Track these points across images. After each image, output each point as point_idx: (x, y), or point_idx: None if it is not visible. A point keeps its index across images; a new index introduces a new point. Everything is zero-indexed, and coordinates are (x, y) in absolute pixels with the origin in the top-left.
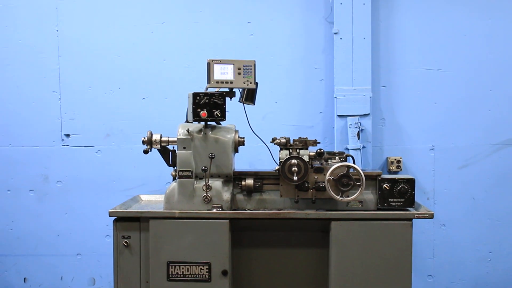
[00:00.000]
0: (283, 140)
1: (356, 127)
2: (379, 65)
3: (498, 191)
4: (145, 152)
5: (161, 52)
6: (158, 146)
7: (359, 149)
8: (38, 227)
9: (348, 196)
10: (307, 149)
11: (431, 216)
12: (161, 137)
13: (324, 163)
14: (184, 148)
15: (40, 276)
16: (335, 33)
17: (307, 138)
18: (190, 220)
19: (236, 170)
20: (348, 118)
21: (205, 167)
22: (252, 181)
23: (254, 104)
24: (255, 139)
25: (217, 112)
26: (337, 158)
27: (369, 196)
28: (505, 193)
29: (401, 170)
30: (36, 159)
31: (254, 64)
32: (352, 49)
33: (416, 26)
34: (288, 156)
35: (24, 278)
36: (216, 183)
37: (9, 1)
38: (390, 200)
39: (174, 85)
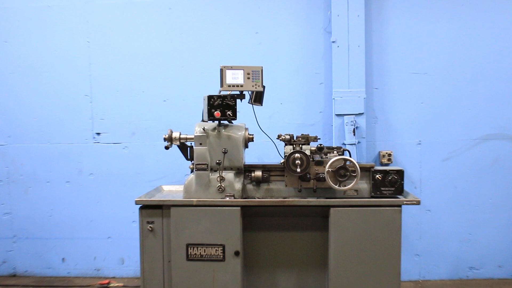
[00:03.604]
0: (288, 137)
1: (352, 125)
2: (372, 69)
3: (477, 180)
4: (166, 148)
5: (179, 60)
6: (178, 143)
7: (354, 144)
8: (73, 214)
9: (345, 186)
10: (308, 144)
11: (418, 202)
12: (180, 134)
13: (324, 156)
14: (200, 144)
15: (76, 256)
16: (333, 41)
17: (308, 134)
18: (206, 207)
19: (246, 163)
20: (345, 116)
21: (219, 160)
22: (261, 173)
23: (261, 105)
24: (263, 136)
25: (229, 112)
26: (335, 152)
27: (364, 185)
28: (483, 182)
29: (391, 162)
30: (71, 154)
31: (262, 70)
32: (348, 56)
33: (404, 35)
34: (292, 150)
35: (63, 258)
36: (229, 175)
37: (47, 16)
38: (382, 188)
39: (191, 88)
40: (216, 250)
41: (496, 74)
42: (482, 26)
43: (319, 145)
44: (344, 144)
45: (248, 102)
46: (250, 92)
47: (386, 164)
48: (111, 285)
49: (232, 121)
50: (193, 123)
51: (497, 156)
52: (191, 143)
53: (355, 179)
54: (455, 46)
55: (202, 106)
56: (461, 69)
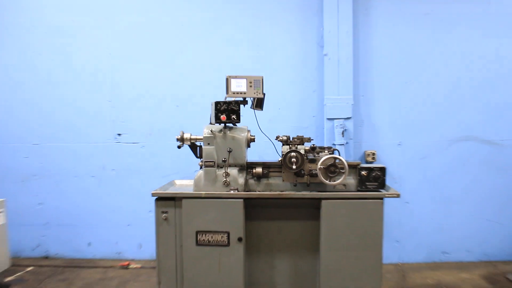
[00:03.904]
0: (285, 138)
1: (341, 128)
2: (358, 79)
3: (449, 176)
4: (179, 147)
5: (190, 70)
6: (189, 143)
7: (343, 144)
8: (98, 204)
9: (334, 181)
10: (303, 144)
11: (398, 196)
12: (190, 135)
13: (316, 155)
14: (208, 144)
15: (100, 241)
16: (325, 54)
17: (303, 136)
18: (213, 199)
19: (248, 161)
20: (335, 120)
21: (224, 158)
22: (261, 169)
23: (262, 110)
24: (263, 137)
25: (233, 116)
26: (326, 151)
27: (351, 180)
28: (455, 178)
29: (375, 160)
30: (95, 152)
31: (262, 79)
32: (338, 67)
33: (387, 49)
34: (288, 150)
35: (88, 243)
36: (233, 171)
37: (75, 32)
38: (367, 183)
39: (200, 95)
40: (221, 236)
41: (466, 84)
42: (454, 43)
43: (312, 145)
44: (334, 144)
45: (250, 107)
46: (252, 98)
47: (371, 162)
48: (130, 266)
49: (236, 124)
50: (202, 126)
51: (467, 156)
52: (200, 143)
53: (344, 175)
54: (432, 58)
55: (210, 111)
56: (437, 80)
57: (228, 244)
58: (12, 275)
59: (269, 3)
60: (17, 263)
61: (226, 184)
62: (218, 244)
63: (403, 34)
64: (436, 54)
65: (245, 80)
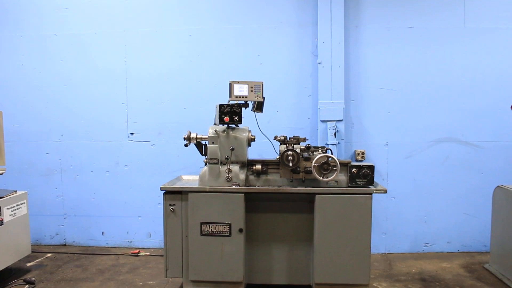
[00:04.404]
0: (282, 138)
1: (333, 129)
2: (349, 85)
3: (431, 174)
4: (186, 145)
5: (197, 76)
6: (195, 141)
7: (335, 144)
8: (111, 197)
9: (327, 177)
10: (299, 144)
11: (385, 191)
12: (197, 135)
13: (311, 154)
14: (213, 143)
15: (113, 230)
16: (319, 63)
17: (299, 136)
18: (217, 193)
19: (249, 159)
20: (328, 122)
21: (227, 156)
22: (260, 166)
23: (262, 112)
24: (263, 137)
25: (236, 118)
26: (320, 150)
27: (342, 177)
28: (436, 176)
29: (364, 159)
30: (110, 150)
31: (262, 85)
32: (331, 74)
33: (375, 58)
34: (285, 149)
35: (102, 232)
36: (235, 168)
37: (93, 41)
38: (357, 180)
39: (206, 98)
40: (224, 227)
41: (447, 91)
42: (435, 53)
43: (307, 145)
44: (327, 144)
45: (251, 110)
46: (252, 102)
47: (360, 161)
48: (140, 254)
49: (238, 124)
50: (207, 126)
51: (447, 155)
52: (205, 142)
53: (336, 172)
54: (415, 68)
55: (214, 113)
56: (420, 86)
57: (230, 235)
58: (32, 261)
59: (270, 16)
60: (37, 250)
61: (229, 180)
62: (220, 234)
63: (389, 45)
64: (419, 63)
65: (246, 85)
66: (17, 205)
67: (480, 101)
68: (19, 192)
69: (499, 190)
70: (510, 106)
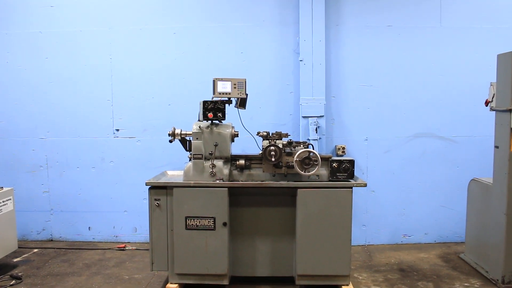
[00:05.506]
0: (265, 133)
1: (314, 125)
2: (330, 82)
3: (409, 168)
4: (170, 141)
5: (181, 73)
6: (179, 137)
7: (316, 139)
8: (97, 192)
9: (309, 172)
10: (281, 139)
11: (365, 185)
12: (181, 131)
13: (293, 149)
14: (197, 138)
15: (99, 225)
16: (301, 60)
17: (281, 132)
18: (201, 188)
19: (232, 154)
20: (309, 118)
21: (211, 152)
22: (244, 161)
23: (245, 109)
24: (246, 133)
25: (219, 114)
26: (301, 146)
27: (323, 171)
28: (414, 169)
29: (345, 154)
30: (96, 146)
31: (245, 81)
32: (312, 71)
33: (355, 56)
34: (268, 144)
35: (89, 227)
36: (219, 163)
37: (79, 39)
38: (338, 174)
39: (190, 95)
40: (208, 221)
41: (424, 87)
42: (412, 51)
43: (289, 140)
44: (308, 139)
45: (235, 106)
46: (236, 98)
47: (341, 155)
48: (127, 248)
49: (222, 121)
50: (191, 122)
51: (425, 150)
52: (189, 138)
53: (317, 167)
54: (393, 65)
55: (198, 109)
56: (398, 83)
57: (214, 228)
58: (19, 256)
59: (253, 15)
60: (24, 245)
61: (213, 175)
62: (205, 228)
63: (369, 43)
64: (397, 60)
65: (230, 82)
66: (3, 201)
67: (456, 97)
68: (5, 189)
69: (474, 183)
70: (484, 102)
